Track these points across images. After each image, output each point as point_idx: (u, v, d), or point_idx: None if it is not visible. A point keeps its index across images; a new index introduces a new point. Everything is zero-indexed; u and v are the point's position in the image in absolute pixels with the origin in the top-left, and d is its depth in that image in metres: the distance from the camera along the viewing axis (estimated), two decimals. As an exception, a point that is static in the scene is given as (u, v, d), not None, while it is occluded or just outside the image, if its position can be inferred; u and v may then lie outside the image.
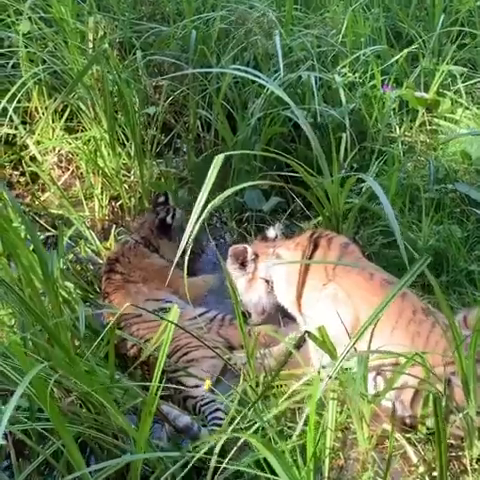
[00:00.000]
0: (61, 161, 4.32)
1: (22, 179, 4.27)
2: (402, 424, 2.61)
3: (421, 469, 2.50)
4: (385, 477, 2.33)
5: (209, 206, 2.45)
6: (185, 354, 2.93)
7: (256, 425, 2.24)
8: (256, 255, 3.08)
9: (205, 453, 2.17)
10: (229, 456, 2.05)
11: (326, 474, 2.45)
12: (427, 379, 2.39)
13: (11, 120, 4.10)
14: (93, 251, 3.64)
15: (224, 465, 2.05)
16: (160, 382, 2.26)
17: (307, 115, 3.81)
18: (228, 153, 2.59)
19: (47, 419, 2.25)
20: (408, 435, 2.58)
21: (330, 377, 2.01)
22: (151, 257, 3.49)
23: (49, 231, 3.78)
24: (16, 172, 4.29)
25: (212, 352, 2.88)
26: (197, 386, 2.81)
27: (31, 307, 2.16)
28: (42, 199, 4.10)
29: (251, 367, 2.64)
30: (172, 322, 2.19)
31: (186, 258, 2.47)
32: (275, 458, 1.95)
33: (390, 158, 3.60)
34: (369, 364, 2.48)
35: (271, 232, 3.20)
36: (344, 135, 3.61)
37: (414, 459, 2.52)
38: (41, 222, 3.85)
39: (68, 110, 4.25)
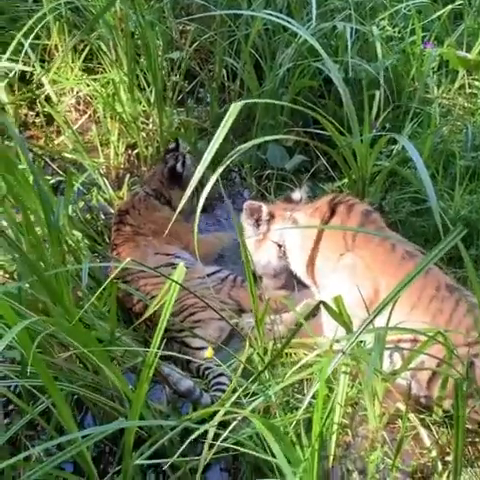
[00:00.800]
0: (79, 104, 4.13)
1: (38, 120, 4.09)
2: (417, 404, 2.46)
3: (433, 453, 2.36)
4: (395, 458, 2.22)
5: (226, 158, 2.28)
6: (192, 314, 2.78)
7: (260, 398, 2.09)
8: (272, 216, 2.90)
9: (204, 422, 2.04)
10: (228, 429, 1.91)
11: (332, 451, 2.33)
12: (448, 360, 2.22)
13: (29, 57, 3.91)
14: (105, 200, 3.48)
15: (219, 442, 1.91)
16: (162, 341, 2.11)
17: (339, 69, 3.57)
18: (248, 101, 2.39)
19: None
20: (422, 416, 2.44)
21: (344, 353, 1.84)
22: (162, 210, 3.31)
23: (61, 176, 3.62)
24: (32, 112, 4.11)
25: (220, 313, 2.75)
26: (202, 348, 2.68)
27: (25, 254, 2.01)
28: (57, 142, 3.93)
29: (259, 333, 2.49)
30: (177, 282, 2.02)
31: (198, 213, 2.31)
32: (273, 436, 1.81)
33: (425, 120, 3.35)
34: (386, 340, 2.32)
35: (296, 194, 3.00)
36: (377, 92, 3.37)
37: (427, 442, 2.39)
38: (54, 166, 3.68)
39: (87, 50, 4.06)
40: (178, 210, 2.42)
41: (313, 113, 2.94)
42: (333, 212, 2.69)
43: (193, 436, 1.91)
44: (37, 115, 4.09)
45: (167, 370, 2.42)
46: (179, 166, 3.39)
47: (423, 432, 2.40)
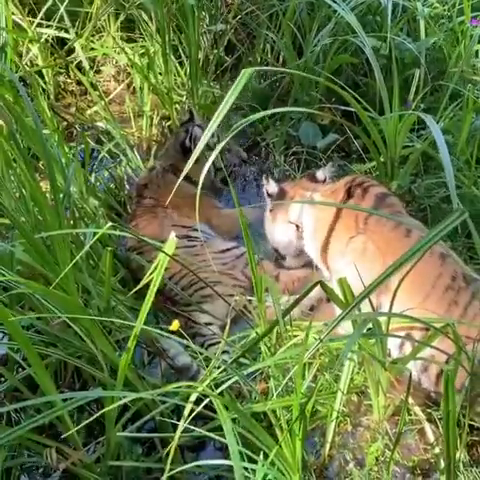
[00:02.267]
0: (119, 74, 4.12)
1: (76, 88, 4.11)
2: (427, 399, 2.35)
3: (437, 449, 2.25)
4: (393, 451, 2.13)
5: (233, 127, 2.20)
6: (201, 288, 2.71)
7: (234, 378, 2.02)
8: (291, 195, 2.82)
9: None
10: (201, 406, 1.84)
11: (329, 438, 2.26)
12: (457, 356, 2.07)
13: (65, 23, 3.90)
14: (133, 170, 3.45)
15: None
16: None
17: (381, 46, 3.42)
18: (263, 68, 2.29)
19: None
20: (429, 410, 2.33)
21: (321, 340, 1.75)
22: (180, 185, 3.22)
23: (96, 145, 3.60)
24: (70, 80, 4.13)
25: (231, 290, 2.68)
26: (209, 324, 2.63)
27: (12, 215, 1.99)
28: (93, 111, 3.91)
29: (261, 313, 2.42)
30: (167, 254, 1.96)
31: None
32: (246, 421, 1.74)
33: (465, 101, 3.16)
34: (395, 328, 2.22)
35: (320, 174, 2.90)
36: (417, 71, 3.20)
37: (431, 437, 2.28)
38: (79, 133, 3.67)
39: (129, 20, 4.04)
40: (200, 185, 2.27)
41: (339, 89, 2.82)
42: (350, 195, 2.58)
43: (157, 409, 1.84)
44: (78, 84, 4.11)
45: (167, 343, 2.38)
46: (187, 140, 3.25)
47: (428, 427, 2.29)
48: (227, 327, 2.33)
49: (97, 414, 1.84)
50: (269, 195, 2.88)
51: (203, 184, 2.33)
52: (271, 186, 2.86)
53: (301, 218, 2.76)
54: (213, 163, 2.38)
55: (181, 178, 2.26)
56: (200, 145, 2.15)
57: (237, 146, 3.46)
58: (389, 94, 2.94)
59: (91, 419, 1.81)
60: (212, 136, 3.17)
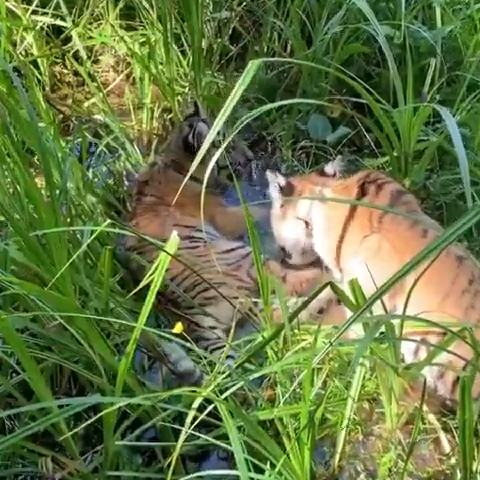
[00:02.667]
0: (118, 64, 4.04)
1: (73, 79, 4.05)
2: (442, 407, 2.27)
3: (453, 460, 2.17)
4: (406, 462, 2.06)
5: (239, 121, 2.09)
6: (205, 290, 2.61)
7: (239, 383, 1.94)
8: (300, 190, 2.72)
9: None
10: (204, 413, 1.75)
11: (339, 448, 2.18)
12: (475, 362, 1.97)
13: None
14: (133, 165, 3.35)
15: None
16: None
17: (395, 34, 3.32)
18: (270, 59, 2.19)
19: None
20: (445, 419, 2.25)
21: (331, 344, 1.66)
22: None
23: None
24: (66, 70, 4.05)
25: (235, 292, 2.58)
26: (213, 327, 2.54)
27: (6, 212, 1.92)
28: (90, 103, 3.83)
29: (267, 316, 2.33)
30: (169, 253, 1.87)
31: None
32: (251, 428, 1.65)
33: (483, 94, 3.08)
34: (409, 332, 2.11)
35: (329, 168, 2.79)
36: (433, 61, 3.10)
37: (446, 447, 2.20)
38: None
39: (129, 7, 3.95)
40: (205, 181, 2.12)
41: (350, 79, 2.73)
42: (363, 192, 2.48)
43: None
44: (75, 74, 4.02)
45: (169, 348, 2.28)
46: (190, 136, 3.11)
47: (443, 436, 2.21)
48: (232, 331, 2.25)
49: (95, 417, 1.78)
50: (281, 189, 2.77)
51: (207, 182, 2.23)
52: (280, 180, 2.76)
53: (310, 215, 2.66)
54: (217, 162, 2.26)
55: (186, 178, 2.13)
56: (205, 145, 2.03)
57: (242, 143, 3.35)
58: (403, 85, 2.84)
59: (88, 422, 1.76)
60: (217, 133, 3.09)
